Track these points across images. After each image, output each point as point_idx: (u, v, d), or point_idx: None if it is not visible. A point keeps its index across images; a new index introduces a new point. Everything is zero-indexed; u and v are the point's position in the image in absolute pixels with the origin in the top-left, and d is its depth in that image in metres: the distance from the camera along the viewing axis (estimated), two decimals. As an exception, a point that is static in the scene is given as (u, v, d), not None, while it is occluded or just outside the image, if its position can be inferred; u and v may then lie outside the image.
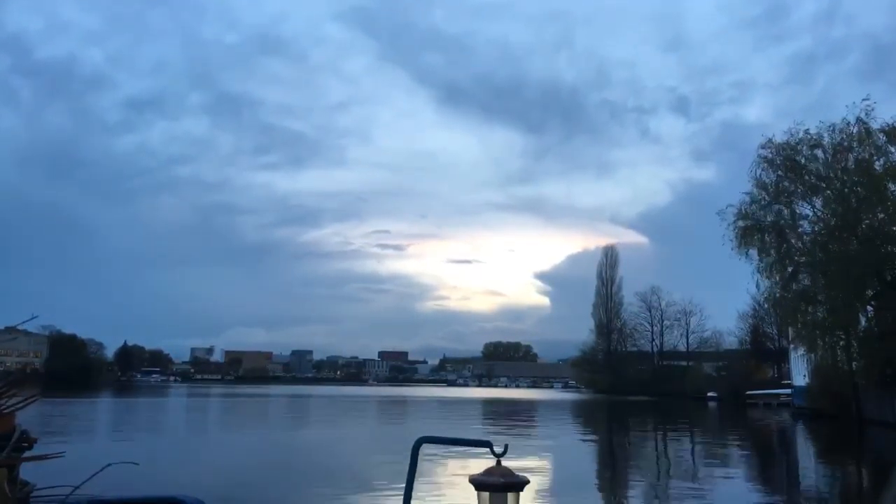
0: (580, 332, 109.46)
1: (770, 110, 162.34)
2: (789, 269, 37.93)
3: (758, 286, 40.23)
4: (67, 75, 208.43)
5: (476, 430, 31.68)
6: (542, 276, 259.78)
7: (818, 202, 37.88)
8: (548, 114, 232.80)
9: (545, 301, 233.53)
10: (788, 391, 54.17)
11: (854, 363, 36.81)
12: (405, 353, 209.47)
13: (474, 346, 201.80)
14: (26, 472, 2.71)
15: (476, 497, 2.59)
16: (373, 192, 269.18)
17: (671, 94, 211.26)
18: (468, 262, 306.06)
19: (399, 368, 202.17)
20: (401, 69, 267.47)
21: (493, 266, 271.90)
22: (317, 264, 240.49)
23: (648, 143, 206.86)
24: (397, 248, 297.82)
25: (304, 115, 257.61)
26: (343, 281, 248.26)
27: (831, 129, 36.40)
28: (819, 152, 37.13)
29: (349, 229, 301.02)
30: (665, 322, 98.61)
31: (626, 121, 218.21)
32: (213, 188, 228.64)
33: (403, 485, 2.93)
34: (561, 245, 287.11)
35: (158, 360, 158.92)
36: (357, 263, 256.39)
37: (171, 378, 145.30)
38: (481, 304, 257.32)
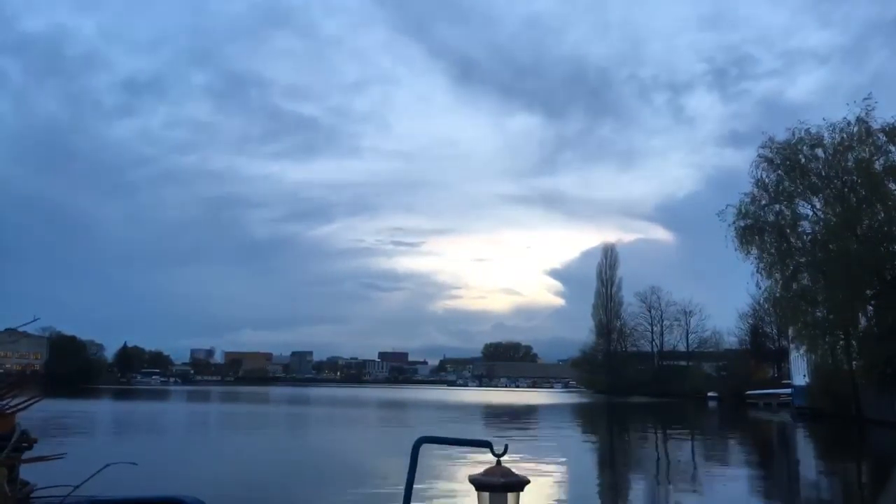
0: (582, 331, 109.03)
1: (816, 88, 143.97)
2: (789, 269, 37.94)
3: (758, 286, 40.31)
4: (57, 52, 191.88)
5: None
6: (556, 274, 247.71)
7: (818, 202, 37.94)
8: (571, 95, 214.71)
9: (559, 300, 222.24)
10: (788, 391, 54.13)
11: (854, 363, 36.83)
12: (405, 354, 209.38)
13: (481, 346, 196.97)
14: (26, 472, 2.71)
15: (476, 497, 2.59)
16: (385, 184, 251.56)
17: (708, 66, 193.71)
18: (482, 259, 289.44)
19: (399, 369, 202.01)
20: (416, 42, 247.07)
21: (508, 263, 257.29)
22: (325, 262, 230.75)
23: (680, 126, 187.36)
24: (409, 244, 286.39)
25: (316, 98, 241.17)
26: (347, 279, 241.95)
27: (832, 128, 36.52)
28: (819, 152, 37.19)
29: (361, 223, 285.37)
30: (665, 322, 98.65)
31: (657, 101, 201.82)
32: (218, 179, 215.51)
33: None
34: (580, 240, 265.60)
35: (158, 362, 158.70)
36: (364, 261, 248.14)
37: (171, 380, 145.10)
38: (493, 302, 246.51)
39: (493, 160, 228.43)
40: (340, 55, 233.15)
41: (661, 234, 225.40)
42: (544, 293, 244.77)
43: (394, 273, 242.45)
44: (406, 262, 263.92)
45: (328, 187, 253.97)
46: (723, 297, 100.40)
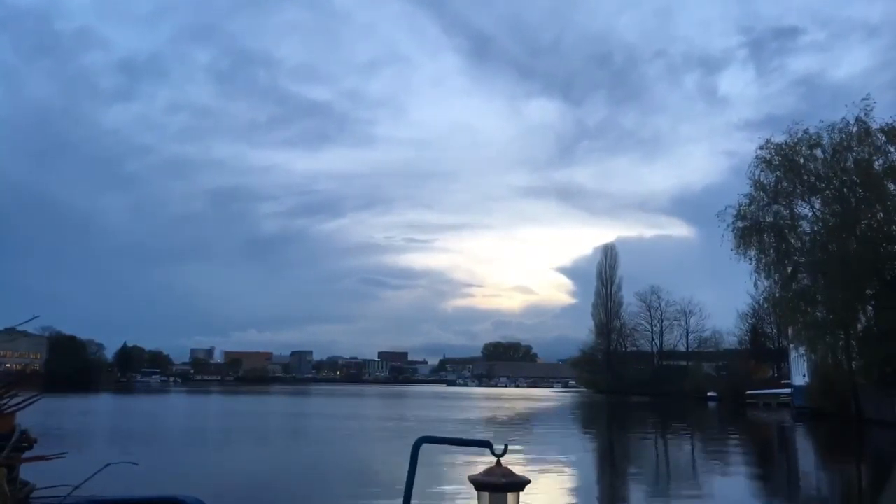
0: (586, 331, 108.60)
1: (860, 71, 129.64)
2: (789, 269, 38.02)
3: (756, 286, 40.40)
4: (48, 28, 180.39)
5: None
6: (566, 271, 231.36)
7: (817, 202, 38.02)
8: (592, 75, 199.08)
9: (570, 298, 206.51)
10: (788, 391, 54.14)
11: (854, 362, 36.86)
12: (405, 354, 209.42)
13: (481, 345, 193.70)
14: (26, 472, 2.71)
15: (476, 497, 2.59)
16: (398, 176, 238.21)
17: (745, 38, 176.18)
18: (495, 258, 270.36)
19: (399, 369, 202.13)
20: (430, 16, 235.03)
21: (522, 261, 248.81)
22: (332, 259, 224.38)
23: (711, 110, 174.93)
24: (422, 241, 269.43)
25: (327, 80, 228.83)
26: (354, 277, 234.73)
27: (830, 128, 36.58)
28: (818, 152, 37.25)
29: (371, 218, 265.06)
30: (665, 322, 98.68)
31: (686, 83, 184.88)
32: (222, 169, 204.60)
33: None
34: (596, 236, 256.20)
35: (158, 361, 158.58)
36: (373, 258, 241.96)
37: (171, 379, 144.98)
38: (505, 301, 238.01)
39: (509, 149, 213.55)
40: (352, 31, 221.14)
41: (682, 229, 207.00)
42: (555, 291, 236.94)
43: (404, 270, 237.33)
44: (418, 260, 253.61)
45: (338, 178, 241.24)
46: (728, 295, 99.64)
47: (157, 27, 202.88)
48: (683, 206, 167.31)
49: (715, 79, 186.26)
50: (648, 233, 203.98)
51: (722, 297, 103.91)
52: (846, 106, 36.11)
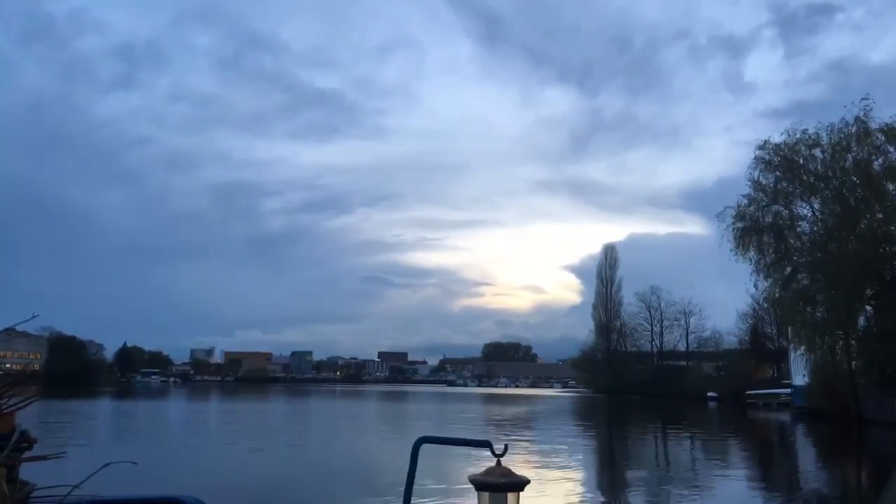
0: (586, 331, 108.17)
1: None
2: (788, 270, 38.04)
3: (756, 286, 40.44)
4: (40, 9, 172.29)
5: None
6: (574, 270, 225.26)
7: (817, 202, 38.03)
8: (610, 61, 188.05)
9: (578, 297, 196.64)
10: (788, 391, 54.17)
11: (853, 362, 36.87)
12: (405, 354, 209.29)
13: (482, 344, 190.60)
14: (26, 471, 2.71)
15: (476, 497, 2.59)
16: (408, 169, 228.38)
17: (774, 16, 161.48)
18: (505, 257, 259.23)
19: (399, 369, 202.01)
20: None
21: (533, 259, 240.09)
22: (338, 257, 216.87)
23: (736, 97, 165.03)
24: (432, 239, 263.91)
25: (336, 66, 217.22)
26: (359, 276, 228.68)
27: (830, 128, 36.59)
28: (818, 152, 37.28)
29: (379, 214, 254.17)
30: (665, 322, 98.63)
31: (710, 67, 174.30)
32: (225, 162, 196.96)
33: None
34: (609, 233, 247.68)
35: (158, 362, 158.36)
36: (379, 257, 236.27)
37: (171, 380, 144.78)
38: (513, 300, 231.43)
39: (521, 141, 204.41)
40: (361, 12, 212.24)
41: (698, 226, 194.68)
42: (564, 289, 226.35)
43: (413, 269, 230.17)
44: (428, 258, 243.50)
45: (345, 173, 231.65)
46: (732, 294, 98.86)
47: (157, 9, 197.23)
48: (699, 201, 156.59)
49: (739, 63, 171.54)
50: (662, 229, 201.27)
51: (730, 295, 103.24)
52: (845, 107, 36.18)
